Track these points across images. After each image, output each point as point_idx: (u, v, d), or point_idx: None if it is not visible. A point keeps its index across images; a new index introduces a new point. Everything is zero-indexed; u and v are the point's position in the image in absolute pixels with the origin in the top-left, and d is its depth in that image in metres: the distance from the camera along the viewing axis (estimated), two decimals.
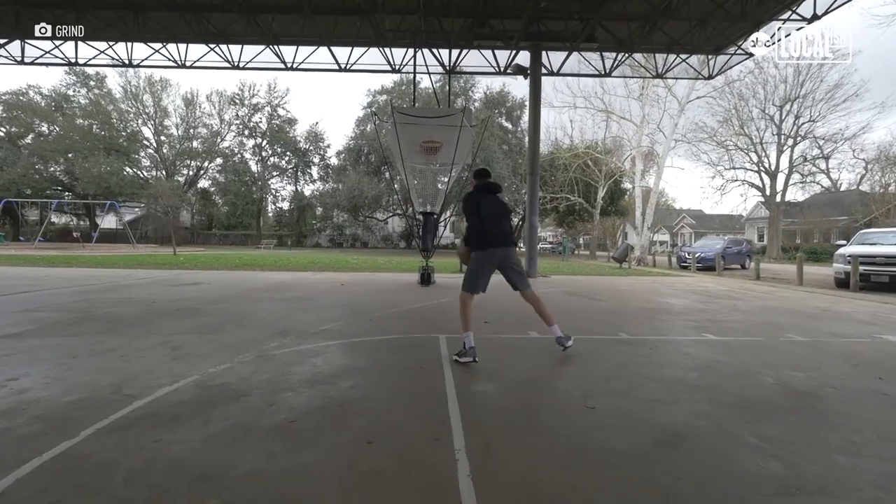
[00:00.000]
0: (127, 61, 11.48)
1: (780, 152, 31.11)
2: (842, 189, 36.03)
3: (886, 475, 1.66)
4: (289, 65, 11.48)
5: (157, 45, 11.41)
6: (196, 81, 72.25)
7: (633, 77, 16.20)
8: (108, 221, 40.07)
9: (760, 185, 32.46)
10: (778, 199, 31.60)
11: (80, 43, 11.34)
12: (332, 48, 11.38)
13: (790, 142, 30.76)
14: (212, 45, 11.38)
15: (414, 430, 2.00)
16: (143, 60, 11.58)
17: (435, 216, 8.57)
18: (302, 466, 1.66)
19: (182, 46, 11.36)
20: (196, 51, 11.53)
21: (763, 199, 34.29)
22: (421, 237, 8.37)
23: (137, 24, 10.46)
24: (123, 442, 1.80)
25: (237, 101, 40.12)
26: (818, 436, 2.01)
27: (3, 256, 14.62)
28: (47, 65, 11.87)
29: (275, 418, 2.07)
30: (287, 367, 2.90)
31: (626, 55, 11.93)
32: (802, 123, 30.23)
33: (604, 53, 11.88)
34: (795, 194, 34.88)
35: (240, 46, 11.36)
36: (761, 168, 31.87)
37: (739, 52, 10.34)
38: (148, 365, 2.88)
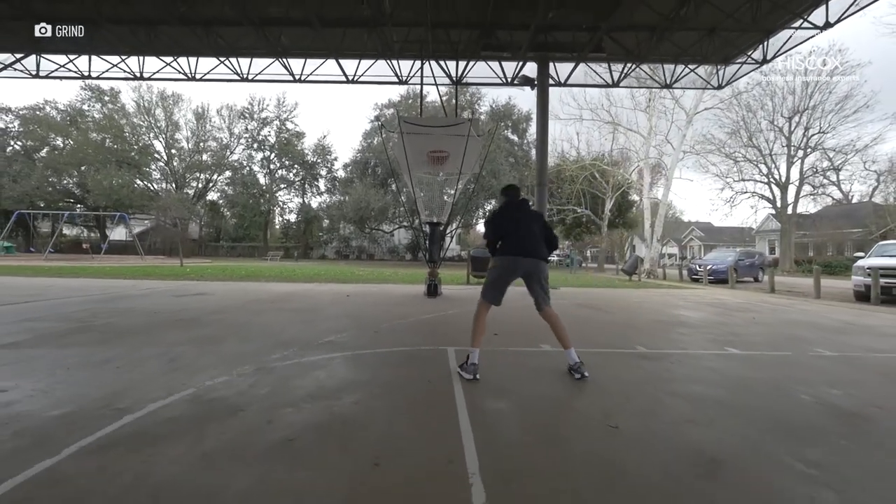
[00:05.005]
0: (139, 74, 11.65)
1: (790, 164, 30.81)
2: (854, 201, 35.56)
3: None
4: (297, 77, 11.57)
5: (169, 59, 11.59)
6: (207, 96, 73.81)
7: (640, 87, 16.15)
8: (117, 233, 40.57)
9: (771, 197, 32.10)
10: (789, 211, 31.17)
11: (93, 57, 11.55)
12: (340, 60, 11.46)
13: (800, 153, 30.51)
14: (222, 59, 11.53)
15: (423, 450, 1.83)
16: (154, 73, 11.74)
17: (441, 227, 8.45)
18: (300, 488, 1.49)
19: (192, 60, 11.52)
20: (206, 64, 11.68)
21: (774, 212, 33.87)
22: (428, 248, 8.24)
23: (149, 39, 10.63)
24: (107, 461, 1.65)
25: (247, 115, 40.81)
26: (871, 463, 1.80)
27: (12, 267, 14.72)
28: (61, 78, 12.07)
29: (272, 436, 1.91)
30: (288, 380, 2.75)
31: (634, 66, 11.88)
32: (812, 135, 30.01)
33: (611, 65, 11.85)
34: (807, 206, 34.45)
35: (249, 59, 11.49)
36: (771, 180, 31.54)
37: (750, 60, 10.22)
38: (142, 377, 2.74)
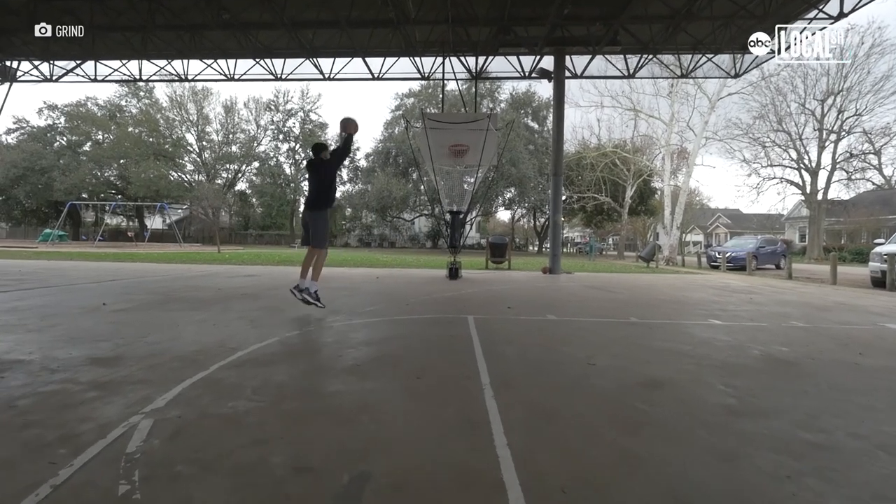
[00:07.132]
0: (184, 76, 12.69)
1: (821, 148, 29.85)
2: None
3: (819, 408, 2.12)
4: (326, 75, 12.36)
5: (209, 61, 12.57)
6: (235, 89, 75.51)
7: (658, 77, 16.23)
8: (154, 222, 42.99)
9: (800, 183, 31.23)
10: (819, 197, 30.32)
11: (143, 62, 12.65)
12: (366, 59, 12.18)
13: (833, 137, 29.50)
14: (258, 60, 12.42)
15: (451, 371, 2.60)
16: (197, 75, 12.76)
17: (461, 215, 9.15)
18: (371, 389, 2.29)
19: (231, 61, 12.46)
20: (243, 65, 12.61)
21: (803, 198, 32.94)
22: (449, 234, 8.98)
23: (194, 43, 11.60)
24: (241, 373, 2.50)
25: (273, 108, 42.10)
26: (777, 387, 2.47)
27: (75, 253, 16.29)
28: (116, 81, 13.23)
29: (344, 363, 2.73)
30: (345, 333, 3.57)
31: (650, 57, 12.12)
32: (847, 118, 28.92)
33: (627, 56, 12.13)
34: (840, 192, 33.30)
35: (282, 60, 12.34)
36: (801, 165, 30.66)
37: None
38: (235, 331, 3.61)
